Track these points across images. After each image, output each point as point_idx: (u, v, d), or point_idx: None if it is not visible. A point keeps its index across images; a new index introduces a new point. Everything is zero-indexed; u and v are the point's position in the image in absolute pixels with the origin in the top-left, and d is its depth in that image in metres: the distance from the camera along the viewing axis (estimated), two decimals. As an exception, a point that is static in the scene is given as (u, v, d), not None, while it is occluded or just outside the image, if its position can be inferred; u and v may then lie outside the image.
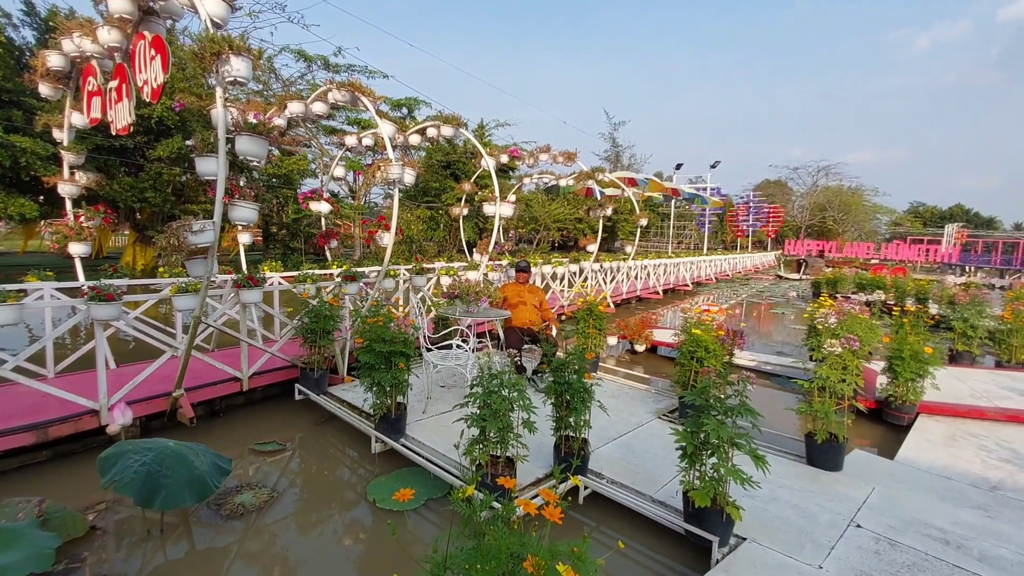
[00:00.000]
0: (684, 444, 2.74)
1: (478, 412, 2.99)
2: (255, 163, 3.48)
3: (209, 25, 3.33)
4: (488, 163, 6.68)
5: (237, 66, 3.18)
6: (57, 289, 4.64)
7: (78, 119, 5.01)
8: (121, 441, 2.92)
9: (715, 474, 2.72)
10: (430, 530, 3.16)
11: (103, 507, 3.21)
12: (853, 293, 14.71)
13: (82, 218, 5.19)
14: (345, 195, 19.42)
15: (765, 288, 20.88)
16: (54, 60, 4.68)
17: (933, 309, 10.33)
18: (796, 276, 27.22)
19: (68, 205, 5.24)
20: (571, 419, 3.30)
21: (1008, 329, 6.94)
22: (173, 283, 5.36)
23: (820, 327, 4.26)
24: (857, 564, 2.68)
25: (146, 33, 3.79)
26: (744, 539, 2.84)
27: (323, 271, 6.66)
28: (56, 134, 5.15)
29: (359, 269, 5.89)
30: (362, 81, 18.78)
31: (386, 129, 4.80)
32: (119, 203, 13.44)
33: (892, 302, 11.63)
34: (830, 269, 22.76)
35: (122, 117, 4.26)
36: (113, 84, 4.29)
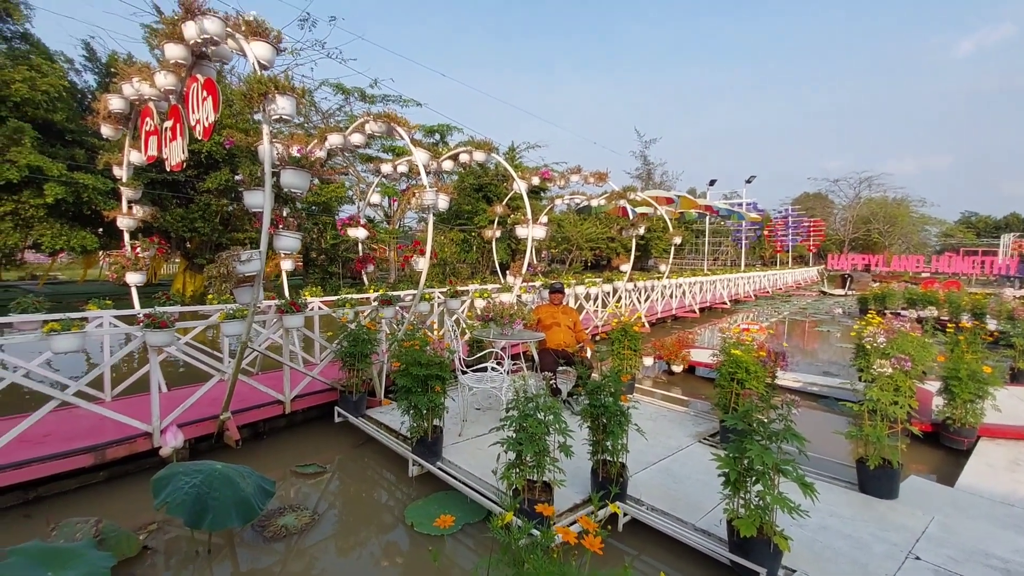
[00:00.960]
0: (727, 470, 2.66)
1: (514, 436, 2.99)
2: (298, 194, 3.65)
3: (257, 67, 3.55)
4: (520, 186, 6.77)
5: (283, 104, 3.37)
6: (115, 317, 4.91)
7: (136, 157, 5.36)
8: (173, 463, 3.04)
9: (760, 502, 2.62)
10: (467, 555, 3.15)
11: (154, 527, 3.34)
12: (903, 309, 14.04)
13: (138, 249, 5.52)
14: (380, 220, 19.96)
15: (808, 305, 20.15)
16: (115, 103, 5.04)
17: (991, 325, 9.73)
18: (841, 292, 26.19)
19: (126, 237, 5.58)
20: (608, 443, 3.25)
21: (1078, 346, 6.47)
22: (221, 310, 5.61)
23: (868, 346, 4.08)
24: (919, 601, 2.52)
25: (199, 76, 4.07)
26: (794, 571, 2.71)
27: (360, 295, 6.85)
28: (116, 171, 5.52)
29: (395, 293, 6.03)
30: (396, 110, 19.37)
31: (420, 157, 4.95)
32: (171, 233, 14.22)
33: (946, 318, 11.04)
34: (877, 284, 21.81)
35: (176, 154, 4.54)
36: (168, 124, 4.59)
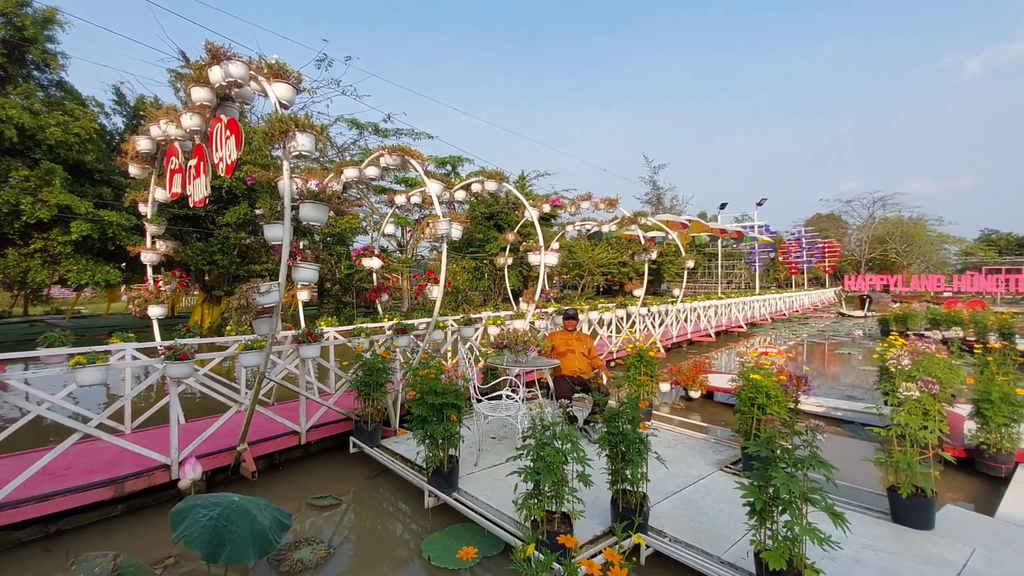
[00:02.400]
0: (752, 499, 2.58)
1: (532, 465, 2.94)
2: (316, 226, 3.74)
3: (278, 106, 3.69)
4: (531, 213, 6.84)
5: (302, 141, 3.49)
6: (137, 349, 5.00)
7: (161, 194, 5.55)
8: (191, 495, 3.04)
9: (788, 533, 2.53)
10: (486, 591, 3.07)
11: (171, 561, 3.32)
12: (927, 330, 13.72)
13: (160, 283, 5.65)
14: (394, 250, 20.24)
15: (827, 327, 19.78)
16: (142, 144, 5.25)
17: (1021, 345, 9.44)
18: (860, 313, 25.68)
19: (148, 271, 5.73)
20: (627, 472, 3.19)
21: (1114, 366, 6.23)
22: (239, 341, 5.68)
23: (893, 368, 3.98)
24: (964, 639, 2.38)
25: (222, 116, 4.24)
26: (827, 607, 2.59)
27: (375, 324, 6.90)
28: (142, 208, 5.71)
29: (409, 322, 6.06)
30: (409, 143, 19.92)
31: (434, 188, 5.05)
32: (190, 266, 14.55)
33: (972, 338, 10.74)
34: (898, 305, 21.38)
35: (200, 191, 4.70)
36: (193, 162, 4.76)
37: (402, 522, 3.99)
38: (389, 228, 8.05)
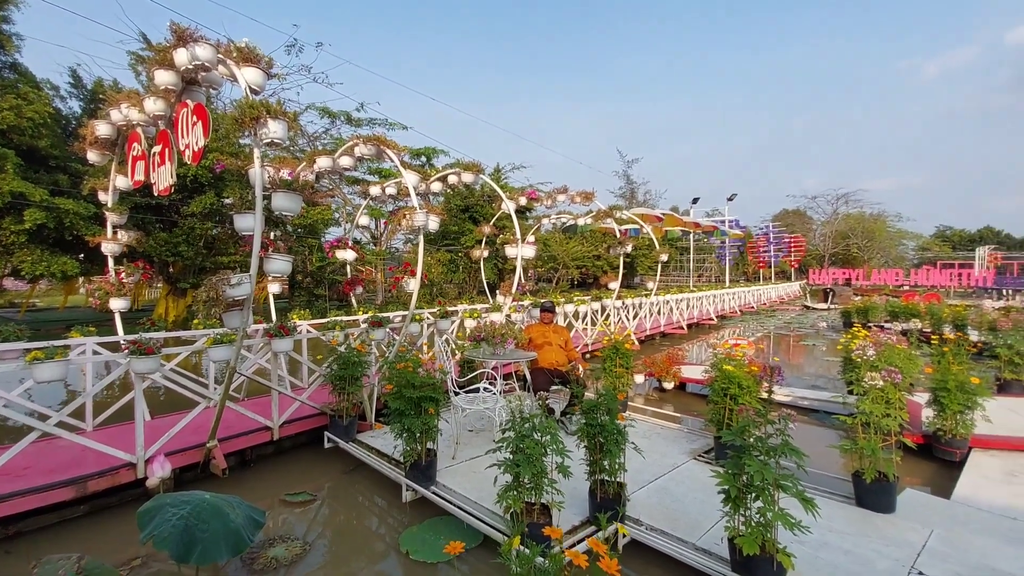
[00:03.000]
0: (727, 487, 2.64)
1: (511, 457, 2.95)
2: (288, 217, 3.63)
3: (248, 92, 3.56)
4: (508, 206, 6.82)
5: (274, 129, 3.37)
6: (98, 344, 4.79)
7: (122, 182, 5.31)
8: (160, 494, 2.94)
9: (761, 519, 2.60)
10: (465, 583, 3.06)
11: (138, 562, 3.21)
12: (886, 322, 14.27)
13: (123, 274, 5.42)
14: (367, 242, 19.93)
15: (793, 319, 20.41)
16: (102, 129, 5.01)
17: (973, 336, 9.92)
18: (824, 306, 26.59)
19: (110, 262, 5.49)
20: (606, 462, 3.22)
21: (1058, 355, 6.62)
22: (207, 335, 5.51)
23: (858, 359, 4.12)
24: (923, 616, 2.50)
25: (188, 102, 4.07)
26: (797, 589, 2.68)
27: (350, 317, 6.78)
28: (102, 196, 5.45)
29: (384, 314, 5.98)
30: (383, 133, 19.58)
31: (410, 179, 4.97)
32: (154, 257, 14.01)
33: (928, 330, 11.24)
34: (859, 298, 22.20)
35: (164, 179, 4.51)
36: (157, 149, 4.57)
37: (379, 517, 3.95)
38: (363, 219, 7.90)
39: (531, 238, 9.33)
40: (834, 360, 10.37)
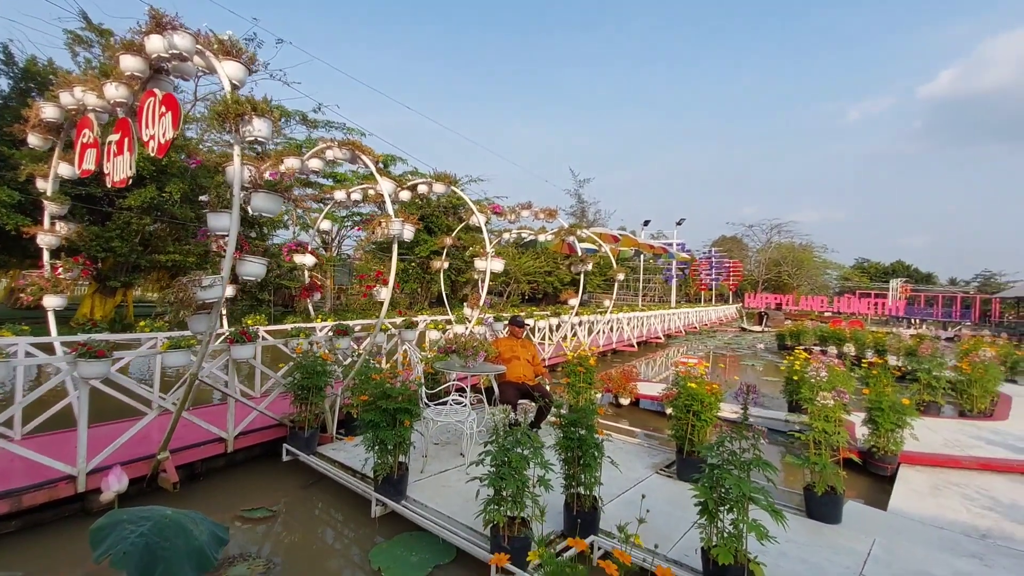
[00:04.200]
0: (704, 500, 2.76)
1: (493, 470, 2.95)
2: (267, 217, 3.50)
3: (229, 86, 3.42)
4: (480, 219, 6.85)
5: (259, 127, 3.25)
6: (32, 345, 4.38)
7: (66, 170, 4.92)
8: (115, 510, 2.71)
9: (734, 530, 2.73)
10: (441, 600, 3.01)
11: (80, 585, 2.94)
12: (815, 345, 15.35)
13: (60, 270, 4.99)
14: (317, 247, 19.30)
15: (731, 340, 21.51)
16: (48, 111, 4.64)
17: (892, 360, 10.86)
18: (759, 328, 28.21)
19: (45, 256, 5.05)
20: (583, 476, 3.28)
21: (968, 380, 7.36)
22: (152, 338, 5.16)
23: (813, 380, 4.43)
24: (875, 619, 2.70)
25: (156, 90, 3.85)
26: (763, 597, 2.83)
27: (309, 325, 6.55)
28: (40, 184, 5.03)
29: (347, 323, 5.82)
30: (339, 137, 19.09)
31: (386, 186, 4.91)
32: (82, 252, 12.90)
33: (854, 354, 12.18)
34: (790, 322, 23.73)
35: (121, 170, 4.23)
36: (114, 138, 4.28)
37: (345, 533, 3.81)
38: (325, 224, 7.67)
39: (491, 251, 9.40)
40: (772, 380, 11.02)
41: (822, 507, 3.81)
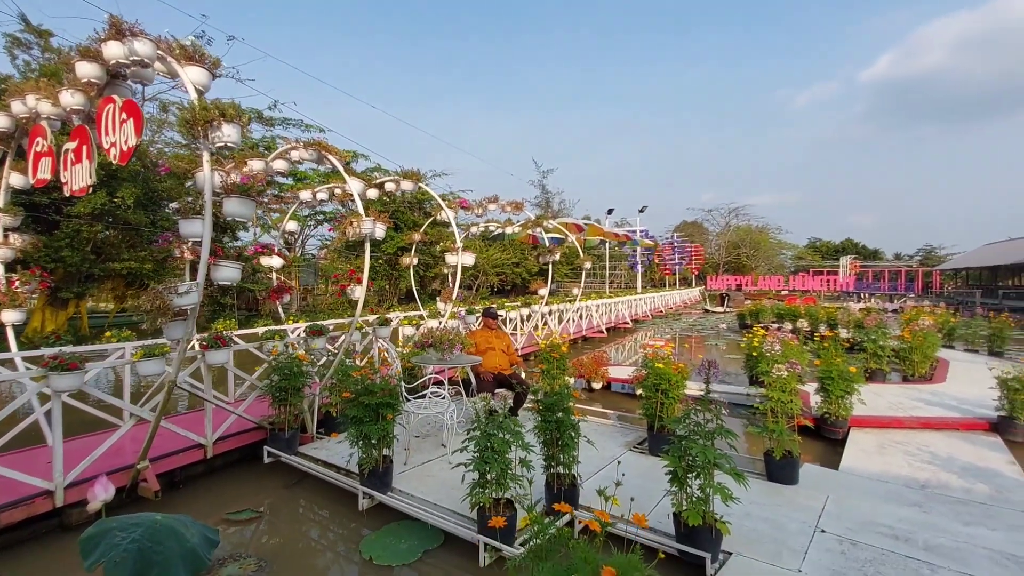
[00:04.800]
0: (674, 468, 2.99)
1: (477, 455, 3.10)
2: (239, 221, 3.51)
3: (193, 93, 3.41)
4: (449, 214, 6.93)
5: (228, 132, 3.26)
6: (-7, 361, 4.26)
7: (17, 179, 4.77)
8: (103, 519, 2.73)
9: (701, 494, 2.98)
10: (433, 581, 3.15)
11: (68, 598, 2.95)
12: (774, 322, 16.08)
13: (16, 283, 4.85)
14: (280, 248, 18.88)
15: (696, 322, 22.27)
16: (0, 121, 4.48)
17: (843, 333, 11.54)
18: (721, 309, 29.26)
19: (0, 270, 4.89)
20: (562, 456, 3.47)
21: (910, 347, 7.95)
22: (119, 348, 5.07)
23: (768, 354, 4.76)
24: (829, 565, 3.00)
25: (115, 97, 3.79)
26: (731, 553, 3.10)
27: (280, 327, 6.52)
28: (-12, 196, 4.84)
29: (321, 323, 5.84)
30: (299, 135, 18.76)
31: (355, 186, 4.94)
32: (29, 263, 12.29)
33: (809, 328, 12.86)
34: (750, 302, 24.74)
35: (80, 178, 4.13)
36: (71, 146, 4.17)
37: (334, 527, 3.90)
38: (291, 225, 7.61)
39: (458, 244, 9.49)
40: (735, 357, 11.54)
41: (781, 470, 4.13)
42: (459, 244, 6.76)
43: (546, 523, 2.07)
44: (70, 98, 3.85)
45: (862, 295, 34.23)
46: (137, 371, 3.91)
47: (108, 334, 5.05)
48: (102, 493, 2.87)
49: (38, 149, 4.50)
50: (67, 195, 4.25)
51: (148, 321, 3.24)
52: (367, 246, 4.87)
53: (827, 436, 5.56)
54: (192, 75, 3.47)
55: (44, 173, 4.51)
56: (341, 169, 4.90)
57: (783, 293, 34.74)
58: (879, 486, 4.14)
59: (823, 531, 3.38)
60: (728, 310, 28.56)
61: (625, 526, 3.40)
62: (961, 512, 3.70)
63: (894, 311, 22.24)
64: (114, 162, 3.81)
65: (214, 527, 3.16)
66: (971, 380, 7.87)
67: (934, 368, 8.56)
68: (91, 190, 4.09)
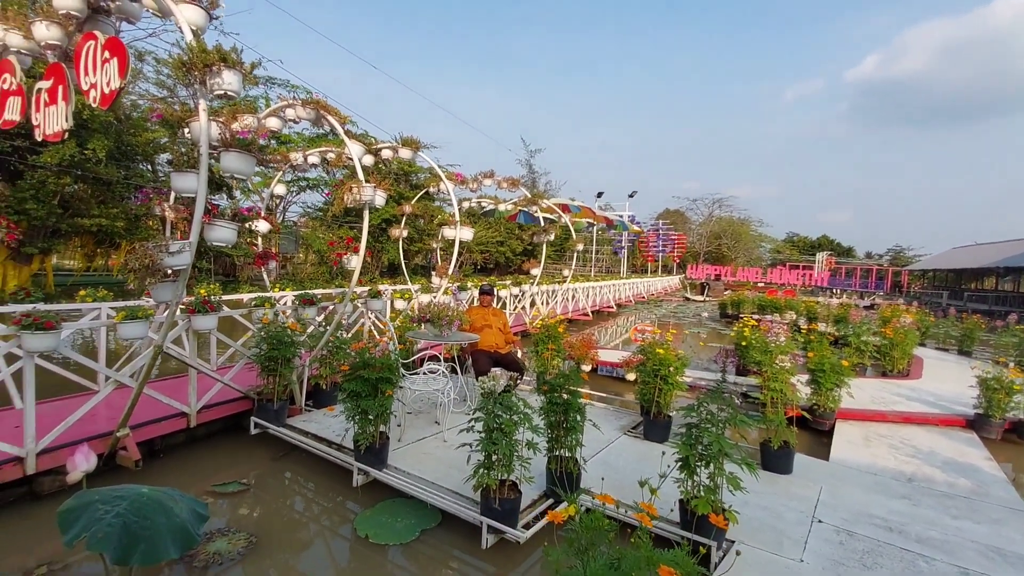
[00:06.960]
0: (685, 456, 2.94)
1: (484, 436, 2.99)
2: (239, 179, 3.27)
3: (189, 33, 3.11)
4: (448, 186, 6.70)
5: (228, 80, 2.99)
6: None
7: (-17, 120, 4.36)
8: (84, 491, 2.55)
9: (711, 483, 2.94)
10: (431, 562, 3.07)
11: (43, 570, 2.77)
12: (754, 313, 16.32)
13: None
14: (263, 212, 18.27)
15: (677, 309, 22.52)
16: (-40, 53, 4.06)
17: (822, 327, 11.77)
18: (701, 298, 29.66)
19: (-37, 218, 4.51)
20: (567, 438, 3.40)
21: (890, 343, 8.12)
22: (95, 308, 4.79)
23: (773, 345, 4.75)
24: (829, 555, 3.02)
25: (98, 33, 3.45)
26: (733, 542, 3.09)
27: (267, 295, 6.27)
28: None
29: (313, 292, 5.61)
30: (285, 95, 18.03)
31: (355, 150, 4.69)
32: (2, 214, 11.59)
33: (795, 321, 13.07)
34: (729, 292, 25.11)
35: (56, 122, 3.78)
36: (45, 85, 3.81)
37: (325, 502, 3.77)
38: (280, 189, 7.26)
39: (458, 218, 9.26)
40: (717, 346, 11.66)
41: (777, 460, 4.15)
42: (457, 218, 6.56)
43: (591, 514, 1.97)
44: (45, 31, 3.50)
45: (835, 291, 35.13)
46: (118, 334, 3.66)
47: (83, 292, 4.74)
48: (83, 462, 2.68)
49: (5, 87, 4.10)
50: (39, 139, 3.90)
51: (134, 281, 2.99)
52: (366, 214, 4.65)
53: (814, 427, 5.63)
54: (187, 14, 3.16)
55: (12, 114, 4.13)
56: (341, 131, 4.63)
57: (760, 285, 35.39)
58: (869, 478, 4.21)
59: (820, 521, 3.40)
60: (707, 299, 28.98)
61: (624, 511, 3.37)
62: (948, 506, 3.78)
63: (867, 307, 22.87)
64: (94, 105, 3.49)
65: (204, 501, 2.99)
66: (945, 377, 8.12)
67: (911, 365, 8.78)
68: (65, 135, 3.75)
